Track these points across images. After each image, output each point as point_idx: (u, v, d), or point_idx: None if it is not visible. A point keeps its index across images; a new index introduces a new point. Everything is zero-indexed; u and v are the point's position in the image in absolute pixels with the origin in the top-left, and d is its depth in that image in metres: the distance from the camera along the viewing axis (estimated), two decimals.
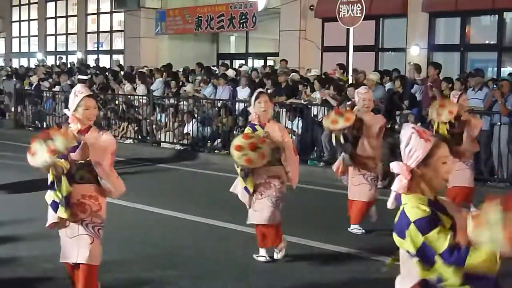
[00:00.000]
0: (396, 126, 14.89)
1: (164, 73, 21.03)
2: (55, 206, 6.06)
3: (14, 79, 26.13)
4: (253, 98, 8.01)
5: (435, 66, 15.94)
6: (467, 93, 14.20)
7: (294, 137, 15.93)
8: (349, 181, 9.97)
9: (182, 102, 18.93)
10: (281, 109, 16.43)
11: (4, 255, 8.14)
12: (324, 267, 8.03)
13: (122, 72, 23.78)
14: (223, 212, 10.71)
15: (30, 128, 22.95)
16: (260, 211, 7.95)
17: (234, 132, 17.30)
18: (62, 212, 6.00)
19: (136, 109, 20.10)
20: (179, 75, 21.47)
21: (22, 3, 37.97)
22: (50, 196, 6.12)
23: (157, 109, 19.08)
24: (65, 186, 5.89)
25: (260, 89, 8.47)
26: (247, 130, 7.95)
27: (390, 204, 4.04)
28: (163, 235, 9.44)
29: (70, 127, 5.90)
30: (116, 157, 16.47)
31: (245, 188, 7.95)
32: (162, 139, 18.66)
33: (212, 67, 22.81)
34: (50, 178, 5.98)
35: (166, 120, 18.79)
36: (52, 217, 6.23)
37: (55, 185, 5.95)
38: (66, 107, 20.45)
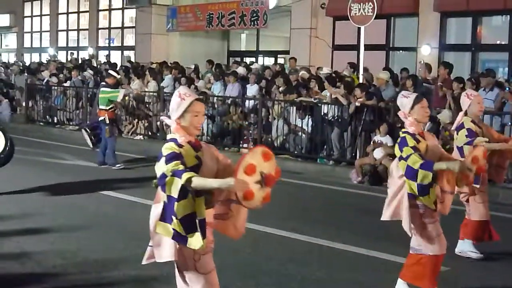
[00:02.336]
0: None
1: (173, 70, 21.06)
2: (180, 238, 4.79)
3: (26, 74, 26.21)
4: None
5: (446, 66, 15.92)
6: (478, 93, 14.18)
7: (303, 135, 15.95)
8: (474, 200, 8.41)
9: None
10: (291, 107, 16.44)
11: (14, 250, 8.17)
12: (333, 266, 8.03)
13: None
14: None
15: (41, 123, 23.04)
16: None
17: (244, 129, 17.32)
18: (197, 242, 4.74)
19: (147, 106, 20.14)
20: (189, 72, 21.48)
21: None
22: (165, 226, 4.94)
23: (168, 105, 19.11)
24: (203, 209, 4.72)
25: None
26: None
27: None
28: None
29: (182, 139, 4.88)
30: (126, 153, 16.55)
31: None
32: None
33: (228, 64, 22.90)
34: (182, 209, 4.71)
35: None
36: (169, 251, 5.03)
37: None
38: (78, 102, 20.26)
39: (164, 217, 4.85)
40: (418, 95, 6.69)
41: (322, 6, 22.82)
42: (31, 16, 38.40)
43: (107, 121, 14.93)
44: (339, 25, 22.61)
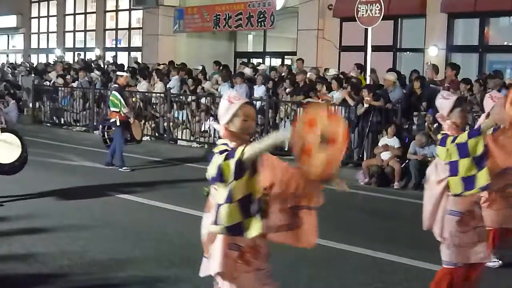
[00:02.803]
0: (414, 127, 14.86)
1: (180, 71, 21.08)
2: (235, 228, 4.41)
3: (33, 75, 26.27)
4: None
5: (453, 67, 15.89)
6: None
7: None
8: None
9: (200, 100, 18.97)
10: (298, 108, 16.43)
11: (21, 251, 8.18)
12: (339, 267, 8.02)
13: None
14: None
15: (48, 124, 23.09)
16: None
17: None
18: (256, 227, 4.43)
19: (154, 107, 20.16)
20: (196, 73, 21.49)
21: None
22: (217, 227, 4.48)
23: (174, 106, 19.14)
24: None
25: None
26: None
27: None
28: (179, 232, 9.44)
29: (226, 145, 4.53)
30: (133, 154, 16.53)
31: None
32: (179, 137, 18.71)
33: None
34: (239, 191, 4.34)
35: (183, 118, 18.85)
36: (217, 263, 4.67)
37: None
38: (85, 103, 20.26)
39: (216, 220, 4.46)
40: (459, 97, 6.45)
41: (329, 7, 22.80)
42: (38, 17, 38.45)
43: (118, 123, 14.90)
44: (346, 26, 22.57)
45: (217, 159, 4.34)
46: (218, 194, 4.42)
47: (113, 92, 15.20)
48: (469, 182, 5.96)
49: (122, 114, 14.81)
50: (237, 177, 4.25)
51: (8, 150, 10.50)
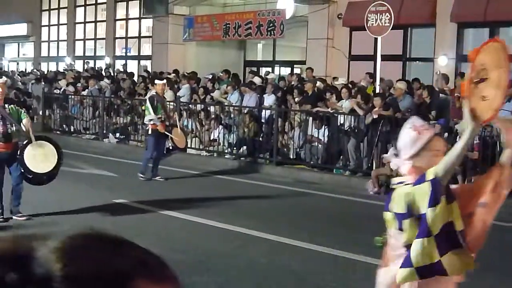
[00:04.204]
0: None
1: (190, 80, 21.13)
2: (431, 268, 3.72)
3: (43, 83, 26.36)
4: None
5: (463, 77, 15.85)
6: None
7: (320, 145, 15.94)
8: None
9: (209, 108, 19.00)
10: (307, 117, 16.44)
11: None
12: (348, 276, 8.01)
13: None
14: (249, 219, 10.73)
15: (58, 132, 23.14)
16: None
17: (260, 139, 17.35)
18: (465, 261, 3.78)
19: None
20: (205, 81, 21.54)
21: (51, 7, 38.28)
22: (404, 271, 3.81)
23: (184, 114, 19.17)
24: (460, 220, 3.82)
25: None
26: None
27: None
28: (189, 241, 9.46)
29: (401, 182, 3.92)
30: (141, 163, 16.45)
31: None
32: (189, 145, 18.72)
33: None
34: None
35: (193, 126, 18.88)
36: None
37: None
38: (94, 111, 20.28)
39: (405, 263, 3.77)
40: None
41: (339, 16, 22.82)
42: (49, 25, 38.60)
43: (149, 132, 14.97)
44: (355, 36, 22.59)
45: (400, 191, 3.83)
46: (406, 234, 3.78)
47: (146, 100, 15.34)
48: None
49: (153, 123, 14.78)
50: (434, 202, 3.61)
51: (44, 159, 10.35)
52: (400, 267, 3.76)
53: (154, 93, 15.34)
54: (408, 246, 3.70)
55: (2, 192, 10.30)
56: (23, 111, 10.79)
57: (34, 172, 10.16)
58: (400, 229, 3.81)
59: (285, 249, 9.14)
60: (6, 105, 10.33)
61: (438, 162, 3.74)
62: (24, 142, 10.28)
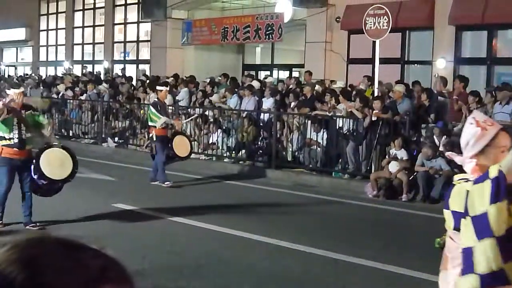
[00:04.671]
0: (421, 139, 14.85)
1: (189, 84, 21.14)
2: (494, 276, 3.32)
3: (41, 87, 26.36)
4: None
5: (461, 79, 15.87)
6: (494, 106, 14.15)
7: (319, 149, 15.94)
8: None
9: (207, 112, 19.00)
10: (306, 120, 16.45)
11: None
12: (348, 280, 8.00)
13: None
14: (249, 223, 10.72)
15: (56, 136, 22.98)
16: None
17: (259, 143, 17.35)
18: None
19: None
20: (204, 85, 21.55)
21: (50, 12, 38.30)
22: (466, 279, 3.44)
23: (183, 118, 19.16)
24: None
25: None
26: None
27: None
28: (188, 244, 9.45)
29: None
30: (141, 166, 16.55)
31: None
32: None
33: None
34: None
35: (192, 130, 18.87)
36: None
37: None
38: (93, 116, 20.18)
39: (466, 269, 3.42)
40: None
41: (337, 19, 22.83)
42: (47, 30, 38.60)
43: (155, 138, 14.69)
44: (354, 39, 22.60)
45: (461, 188, 3.59)
46: (463, 234, 3.49)
47: (150, 106, 15.18)
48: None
49: (158, 128, 14.52)
50: (496, 200, 3.29)
51: (60, 166, 10.17)
52: (461, 274, 3.45)
53: (156, 99, 15.23)
54: (466, 249, 3.41)
55: (7, 197, 10.16)
56: (40, 115, 10.77)
57: (49, 178, 9.99)
58: (457, 228, 3.57)
59: (285, 252, 9.13)
60: (23, 111, 10.16)
61: (503, 158, 3.46)
62: (41, 147, 10.19)
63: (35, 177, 9.97)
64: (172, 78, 23.65)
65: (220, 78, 22.38)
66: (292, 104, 17.70)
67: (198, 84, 21.92)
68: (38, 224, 10.27)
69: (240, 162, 17.39)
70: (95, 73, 31.00)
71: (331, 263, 8.71)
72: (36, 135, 10.25)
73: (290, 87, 19.97)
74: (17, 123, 9.92)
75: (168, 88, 16.44)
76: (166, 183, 14.42)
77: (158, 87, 16.00)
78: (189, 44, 28.48)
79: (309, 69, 21.68)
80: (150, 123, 14.91)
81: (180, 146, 14.77)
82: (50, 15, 38.34)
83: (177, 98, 20.19)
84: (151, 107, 15.00)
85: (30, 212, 10.24)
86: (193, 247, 9.30)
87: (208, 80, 21.91)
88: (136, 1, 31.71)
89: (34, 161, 9.91)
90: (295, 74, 26.58)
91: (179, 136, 15.02)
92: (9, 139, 9.87)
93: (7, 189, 10.08)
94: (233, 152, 17.78)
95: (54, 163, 10.08)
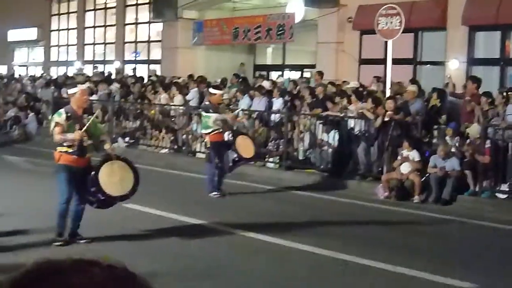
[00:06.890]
0: (434, 140, 14.74)
1: (200, 84, 21.09)
2: None
3: (52, 87, 26.36)
4: None
5: (474, 80, 15.74)
6: (507, 107, 14.02)
7: (329, 149, 15.84)
8: None
9: None
10: (317, 121, 16.36)
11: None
12: (358, 281, 7.92)
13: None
14: (259, 225, 10.65)
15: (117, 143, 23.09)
16: None
17: (269, 143, 17.26)
18: None
19: (172, 119, 20.15)
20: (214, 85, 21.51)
21: (61, 12, 38.40)
22: None
23: (193, 119, 19.10)
24: None
25: None
26: None
27: None
28: (199, 246, 9.38)
29: None
30: (151, 166, 16.50)
31: None
32: (198, 149, 18.65)
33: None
34: None
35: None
36: None
37: None
38: (104, 115, 20.12)
39: None
40: None
41: (349, 20, 22.73)
42: (58, 30, 38.68)
43: (208, 145, 13.86)
44: (366, 39, 22.48)
45: None
46: None
47: (202, 112, 14.30)
48: None
49: (212, 134, 13.60)
50: None
51: (120, 181, 9.39)
52: None
53: (208, 103, 14.19)
54: None
55: (68, 209, 9.43)
56: (98, 122, 10.08)
57: (107, 194, 9.23)
58: None
59: (294, 254, 9.06)
60: (85, 115, 9.65)
61: None
62: (102, 159, 9.55)
63: (92, 189, 9.26)
64: (182, 78, 23.60)
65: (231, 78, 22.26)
66: (302, 105, 17.59)
67: (209, 84, 21.85)
68: (87, 238, 9.59)
69: (251, 162, 17.28)
70: (106, 73, 30.98)
71: (341, 264, 8.62)
72: (96, 142, 9.62)
73: (298, 87, 19.91)
74: (79, 129, 9.18)
75: (222, 92, 15.37)
76: (213, 193, 13.55)
77: (211, 90, 14.70)
78: (200, 44, 28.43)
79: (321, 70, 21.56)
80: (203, 131, 14.11)
81: (244, 146, 13.73)
82: (61, 15, 38.44)
83: (187, 98, 20.13)
84: (202, 112, 14.23)
85: (78, 225, 9.61)
86: (204, 248, 9.21)
87: (219, 81, 21.85)
88: (147, 1, 31.72)
89: (93, 172, 9.22)
90: (307, 74, 26.49)
91: (241, 137, 14.11)
92: (69, 146, 9.22)
93: (68, 199, 9.34)
94: None
95: (114, 177, 9.35)
